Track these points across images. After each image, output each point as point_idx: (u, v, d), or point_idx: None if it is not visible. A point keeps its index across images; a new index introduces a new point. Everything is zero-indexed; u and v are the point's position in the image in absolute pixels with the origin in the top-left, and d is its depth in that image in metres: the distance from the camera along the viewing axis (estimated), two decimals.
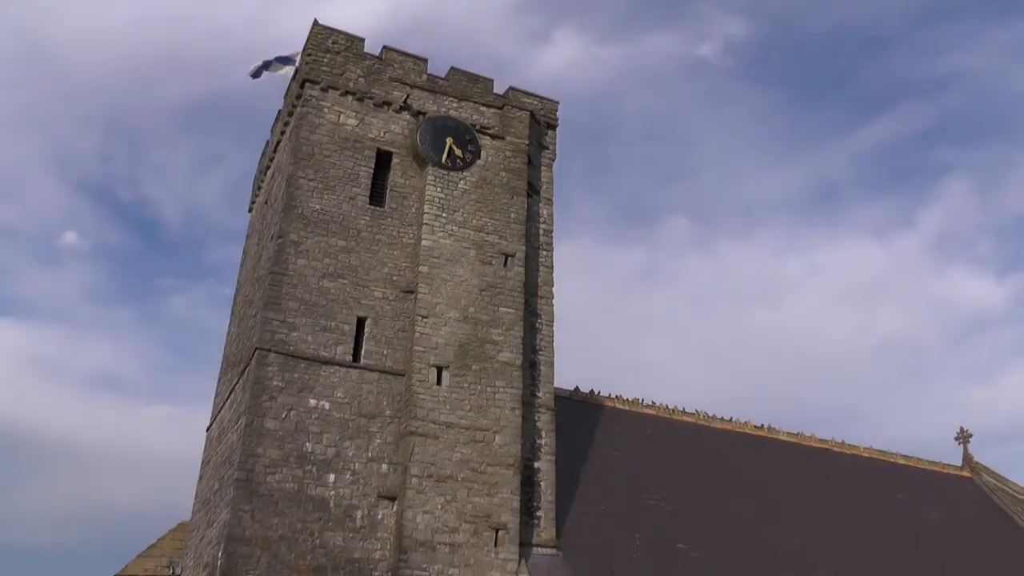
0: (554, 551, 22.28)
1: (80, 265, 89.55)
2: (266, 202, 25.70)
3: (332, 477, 20.11)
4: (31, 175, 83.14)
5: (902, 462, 37.73)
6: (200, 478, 25.45)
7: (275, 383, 20.12)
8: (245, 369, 21.30)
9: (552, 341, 24.48)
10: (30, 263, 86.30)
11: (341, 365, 21.12)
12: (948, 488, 38.15)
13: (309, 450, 20.03)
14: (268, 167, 26.70)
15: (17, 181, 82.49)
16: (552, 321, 24.65)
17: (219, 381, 26.32)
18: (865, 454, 36.70)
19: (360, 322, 21.85)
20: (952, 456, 42.71)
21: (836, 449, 35.80)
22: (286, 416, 20.00)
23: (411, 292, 22.32)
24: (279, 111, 26.90)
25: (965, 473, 40.12)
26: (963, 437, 41.21)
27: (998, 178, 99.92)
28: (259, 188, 27.90)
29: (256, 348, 20.39)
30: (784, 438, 34.24)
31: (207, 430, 25.88)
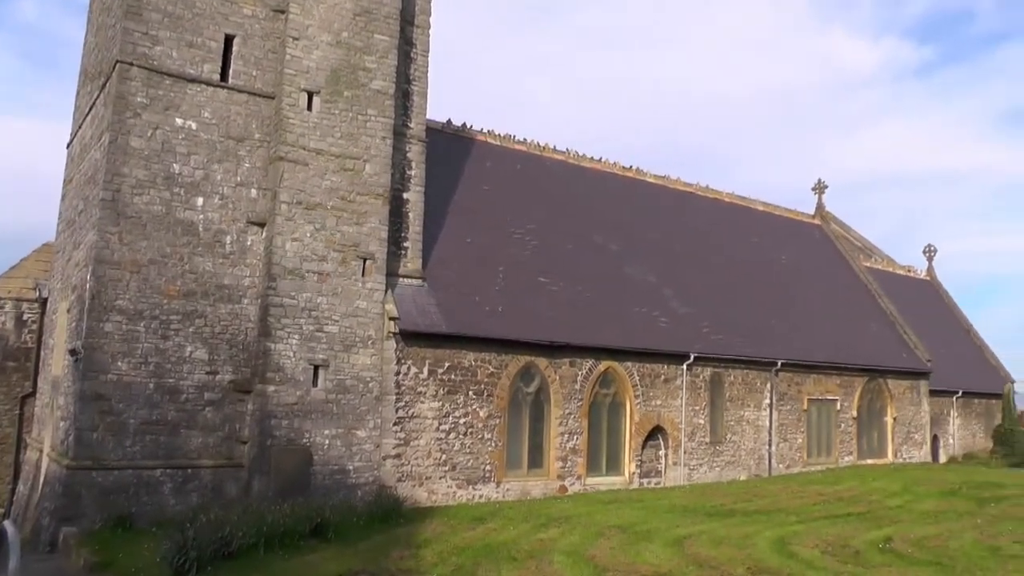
0: (420, 282, 24.08)
1: None
2: None
3: (200, 200, 20.87)
4: None
5: (760, 208, 41.06)
6: (63, 197, 25.60)
7: (139, 99, 20.17)
8: (106, 83, 21.14)
9: (426, 72, 25.01)
10: None
11: (208, 84, 21.22)
12: (799, 234, 42.05)
13: (177, 171, 20.56)
14: None
15: None
16: (427, 51, 25.04)
17: (78, 95, 25.91)
18: (727, 199, 39.67)
19: (228, 40, 21.74)
20: (808, 205, 46.59)
21: (700, 193, 38.53)
22: (151, 135, 20.28)
23: (282, 12, 22.17)
24: None
25: (816, 221, 44.19)
26: (819, 188, 45.05)
27: None
28: None
29: (117, 61, 20.16)
30: (651, 180, 36.54)
31: (67, 146, 25.73)
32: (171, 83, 20.68)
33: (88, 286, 19.64)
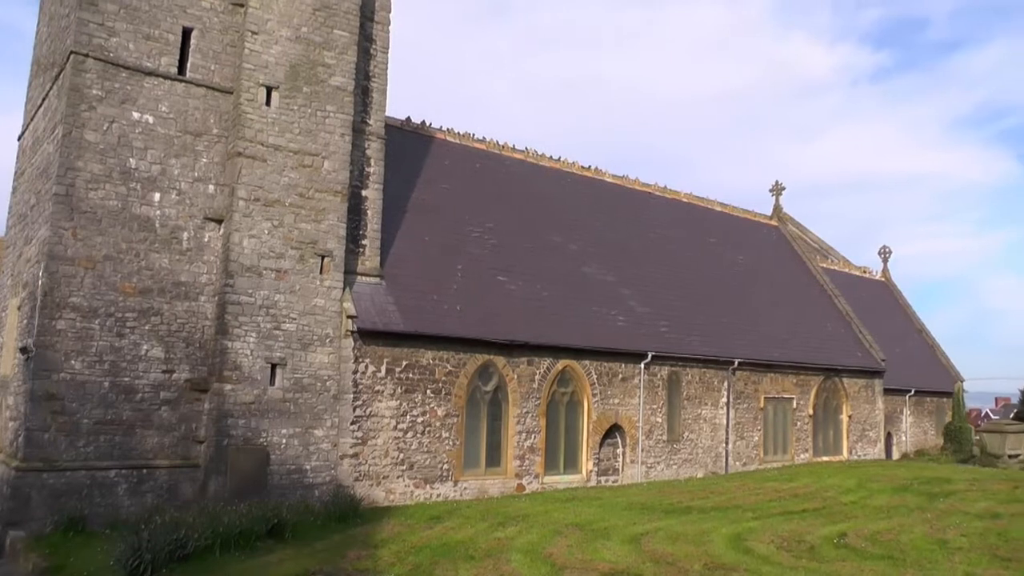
0: (378, 280, 24.16)
1: None
2: None
3: (157, 196, 20.72)
4: None
5: (718, 208, 41.59)
6: (14, 191, 25.20)
7: (94, 92, 19.96)
8: (60, 74, 20.86)
9: (386, 69, 25.07)
10: None
11: (166, 77, 21.07)
12: (757, 234, 42.63)
13: (133, 166, 20.38)
14: None
15: None
16: (388, 48, 25.11)
17: (30, 85, 25.53)
18: (685, 199, 40.13)
19: (186, 33, 21.60)
20: (765, 206, 47.37)
21: (658, 193, 38.93)
22: (107, 129, 20.09)
23: (241, 5, 22.08)
24: None
25: (773, 222, 44.85)
26: (776, 190, 45.78)
27: None
28: None
29: (71, 52, 19.89)
30: (609, 180, 36.86)
31: (19, 139, 25.37)
32: (127, 76, 20.48)
33: (40, 282, 19.40)
